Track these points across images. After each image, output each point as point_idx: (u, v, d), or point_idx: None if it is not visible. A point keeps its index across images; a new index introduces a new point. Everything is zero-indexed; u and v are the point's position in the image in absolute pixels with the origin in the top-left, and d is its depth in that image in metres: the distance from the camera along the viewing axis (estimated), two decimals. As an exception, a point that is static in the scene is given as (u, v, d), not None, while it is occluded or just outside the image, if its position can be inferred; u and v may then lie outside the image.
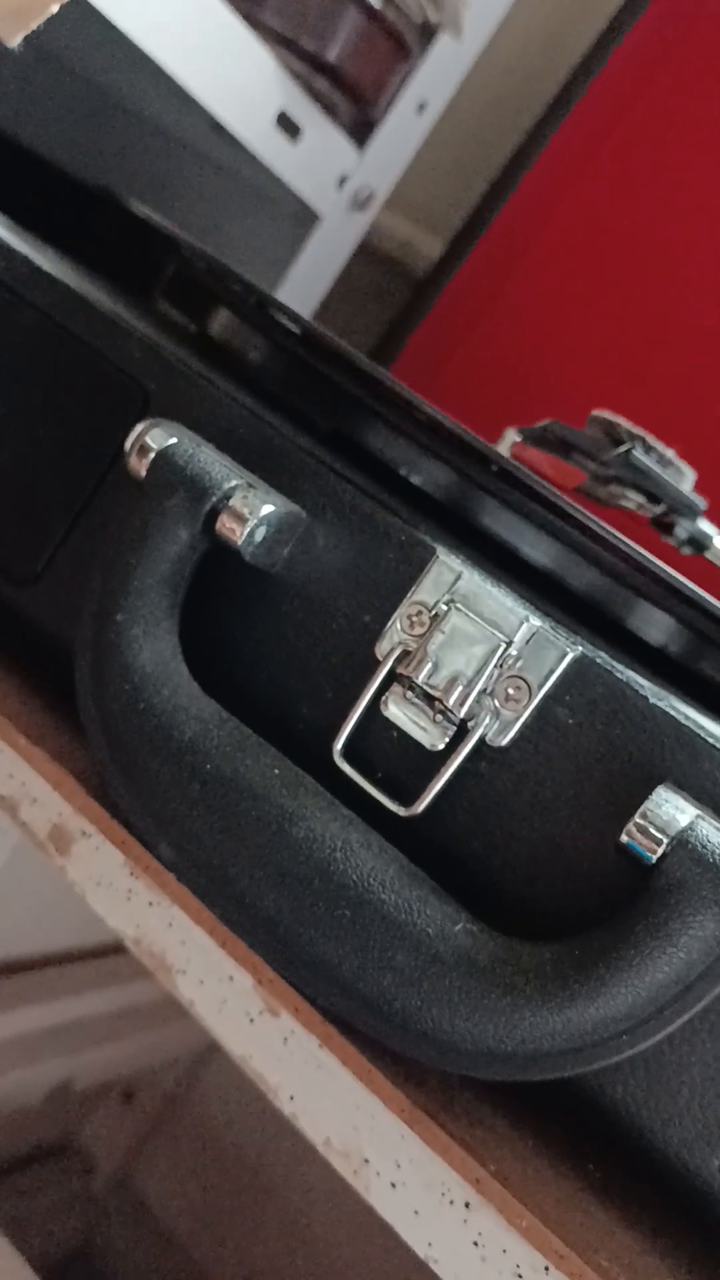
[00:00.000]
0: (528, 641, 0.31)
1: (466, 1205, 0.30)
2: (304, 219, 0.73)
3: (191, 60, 0.58)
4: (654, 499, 0.44)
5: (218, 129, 0.67)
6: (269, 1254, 0.80)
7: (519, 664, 0.31)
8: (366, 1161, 0.31)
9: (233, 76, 0.60)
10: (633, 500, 0.45)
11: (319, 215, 0.73)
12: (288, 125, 0.65)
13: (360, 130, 0.72)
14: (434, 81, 0.74)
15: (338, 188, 0.73)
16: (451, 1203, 0.30)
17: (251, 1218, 0.81)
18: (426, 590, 0.32)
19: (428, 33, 0.71)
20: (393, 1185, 0.31)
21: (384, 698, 0.32)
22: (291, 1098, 0.32)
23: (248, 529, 0.32)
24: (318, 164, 0.70)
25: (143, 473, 0.33)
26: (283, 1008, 0.32)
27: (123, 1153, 0.79)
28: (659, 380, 0.77)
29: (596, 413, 0.45)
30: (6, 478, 0.38)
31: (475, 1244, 0.30)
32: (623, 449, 0.43)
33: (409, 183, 0.84)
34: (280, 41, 0.63)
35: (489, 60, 0.83)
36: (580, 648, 0.31)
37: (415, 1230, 0.31)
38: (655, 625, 0.42)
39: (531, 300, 0.84)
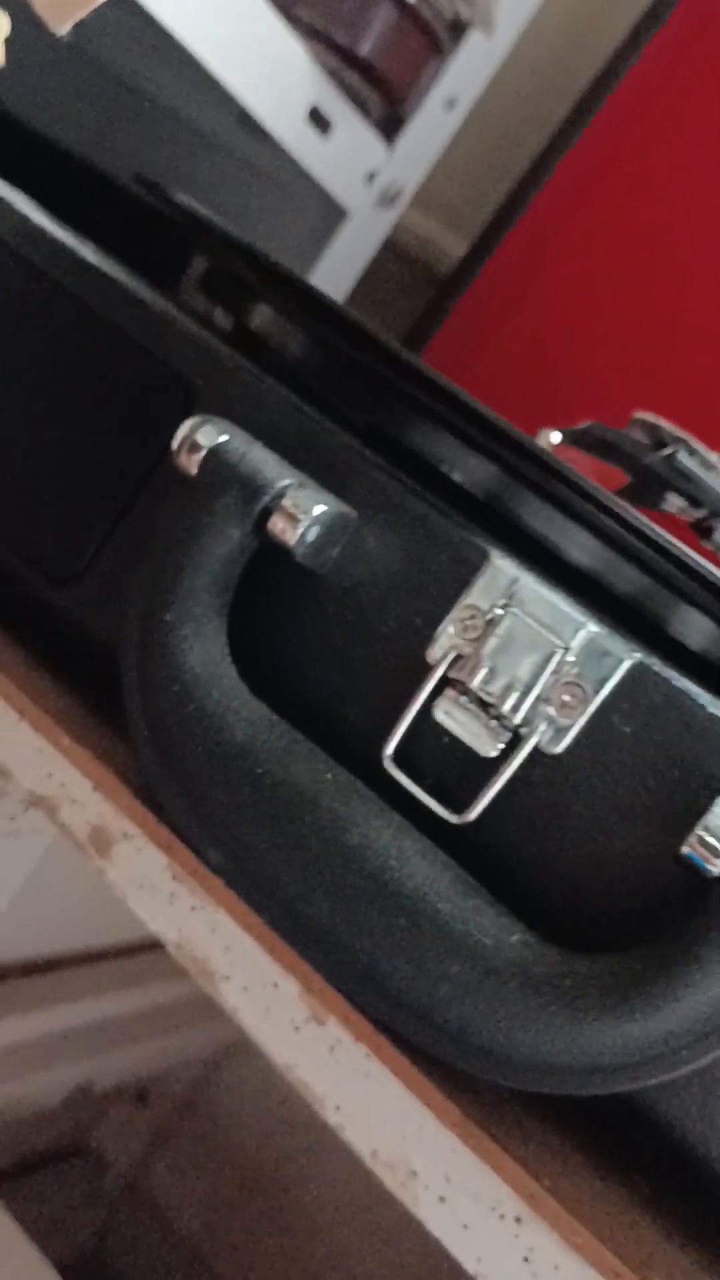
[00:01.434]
0: (585, 648, 0.30)
1: (517, 1220, 0.29)
2: (331, 215, 0.73)
3: (226, 52, 0.57)
4: (695, 503, 0.44)
5: (244, 122, 0.66)
6: (281, 1257, 0.79)
7: (575, 671, 0.30)
8: (414, 1174, 0.31)
9: (267, 70, 0.60)
10: (673, 504, 0.45)
11: (346, 211, 0.73)
12: (319, 120, 0.65)
13: (389, 126, 0.72)
14: (464, 78, 0.74)
15: (366, 184, 0.72)
16: (501, 1217, 0.30)
17: (264, 1221, 0.80)
18: (479, 594, 0.32)
19: (458, 29, 0.70)
20: (441, 1199, 0.31)
21: (435, 703, 0.32)
22: (337, 1108, 0.32)
23: (300, 529, 0.32)
24: (347, 160, 0.69)
25: (193, 470, 0.33)
26: (331, 1016, 0.32)
27: (136, 1154, 0.79)
28: (686, 380, 0.77)
29: (638, 414, 0.45)
30: (47, 474, 0.38)
31: (526, 1260, 0.29)
32: (667, 452, 0.42)
33: (433, 180, 0.83)
34: (313, 35, 0.62)
35: (515, 58, 0.83)
36: (638, 655, 0.30)
37: (464, 1245, 0.30)
38: (697, 630, 0.41)
39: (556, 299, 0.83)
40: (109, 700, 0.38)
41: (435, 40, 0.67)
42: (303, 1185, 0.81)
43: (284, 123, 0.63)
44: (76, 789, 0.36)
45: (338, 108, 0.66)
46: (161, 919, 0.35)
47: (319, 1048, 0.32)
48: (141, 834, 0.34)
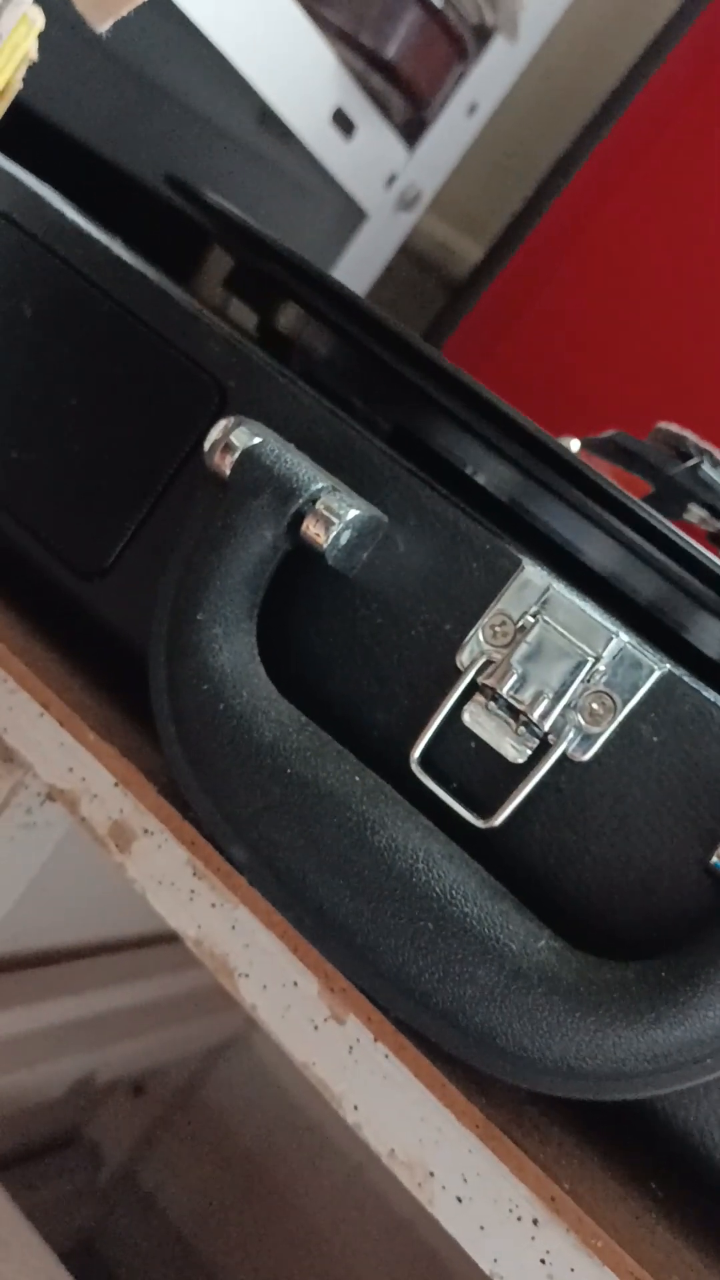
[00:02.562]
0: (615, 658, 0.31)
1: (534, 1222, 0.30)
2: (350, 217, 0.73)
3: (254, 52, 0.57)
4: (716, 514, 0.44)
5: (265, 122, 0.66)
6: (274, 1251, 0.80)
7: (605, 680, 0.31)
8: (431, 1175, 0.31)
9: (294, 70, 0.60)
10: (695, 514, 0.45)
11: (366, 213, 0.73)
12: (343, 122, 0.65)
13: (411, 130, 0.72)
14: (486, 84, 0.74)
15: (386, 187, 0.73)
16: (519, 1219, 0.30)
17: (256, 1214, 0.81)
18: (510, 601, 0.32)
19: (483, 35, 0.70)
20: (458, 1199, 0.31)
21: (464, 708, 0.32)
22: (356, 1107, 0.32)
23: (334, 533, 0.32)
24: (368, 162, 0.69)
25: (226, 471, 0.33)
26: (351, 1015, 0.32)
27: (131, 1146, 0.79)
28: (701, 390, 0.77)
29: (662, 425, 0.45)
30: (78, 470, 0.38)
31: (542, 1261, 0.30)
32: (691, 463, 0.43)
33: (450, 185, 0.83)
34: (340, 37, 0.62)
35: (534, 66, 0.83)
36: (668, 665, 0.31)
37: (480, 1245, 0.30)
38: (715, 638, 0.41)
39: (570, 307, 0.84)
40: (131, 695, 0.38)
41: (460, 45, 0.67)
42: (295, 1179, 0.81)
43: (308, 123, 0.63)
44: (98, 784, 0.36)
45: (362, 110, 0.66)
46: (181, 915, 0.35)
47: (338, 1047, 0.32)
48: (164, 830, 0.35)
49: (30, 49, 0.43)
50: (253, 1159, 0.81)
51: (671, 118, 0.86)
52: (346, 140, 0.66)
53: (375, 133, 0.68)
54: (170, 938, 0.66)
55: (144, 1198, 0.79)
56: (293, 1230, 0.79)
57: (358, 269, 0.76)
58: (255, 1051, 0.80)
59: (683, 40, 0.87)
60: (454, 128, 0.74)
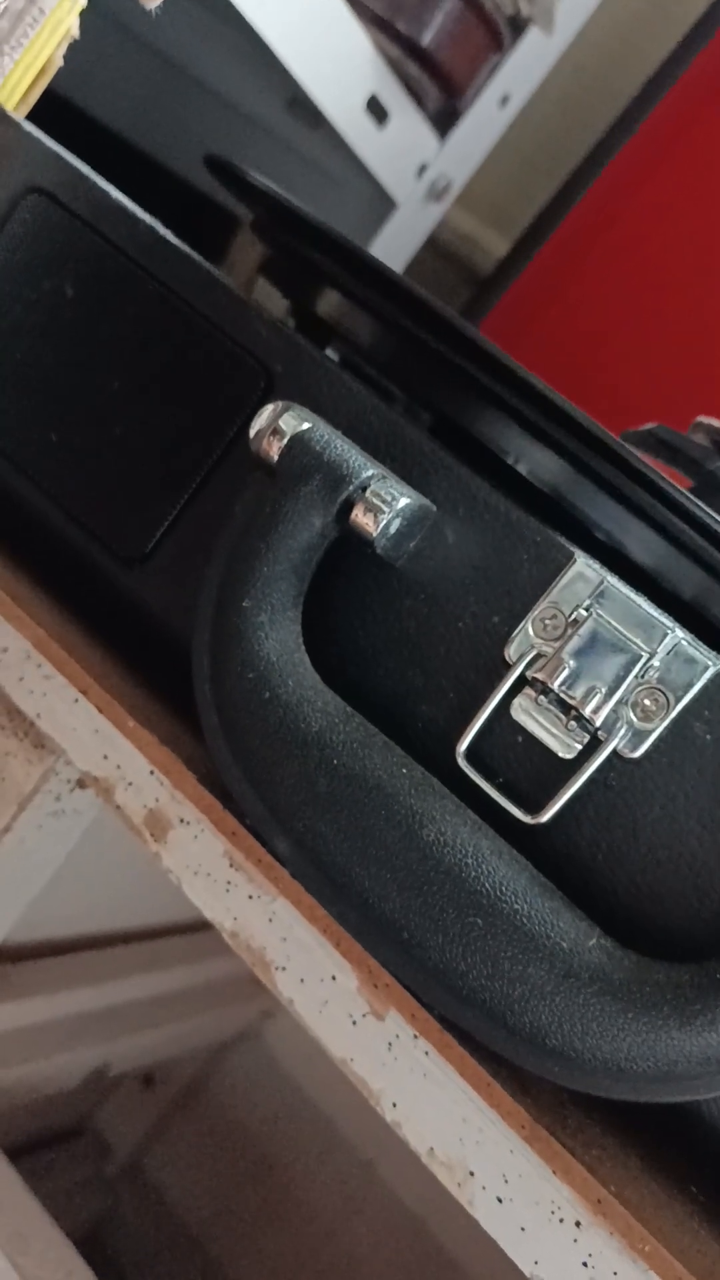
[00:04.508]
0: (670, 654, 0.30)
1: (577, 1224, 0.29)
2: (379, 206, 0.72)
3: (293, 37, 0.57)
4: (758, 511, 0.44)
5: (295, 109, 0.65)
6: (280, 1245, 0.79)
7: (658, 676, 0.30)
8: (471, 1175, 0.31)
9: (330, 56, 0.60)
10: (735, 511, 0.44)
11: (396, 203, 0.72)
12: (377, 110, 0.64)
13: (443, 120, 0.71)
14: (519, 75, 0.73)
15: (417, 176, 0.72)
16: (561, 1221, 0.29)
17: (264, 1208, 0.80)
18: (562, 594, 0.31)
19: (518, 26, 0.70)
20: (499, 1200, 0.30)
21: (513, 701, 0.31)
22: (394, 1105, 0.32)
23: (384, 521, 0.31)
24: (401, 151, 0.69)
25: (274, 457, 0.32)
26: (395, 1012, 0.31)
27: (139, 1137, 0.78)
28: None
29: (702, 419, 0.45)
30: (119, 454, 0.37)
31: (585, 1265, 0.29)
32: (734, 459, 0.42)
33: (477, 178, 0.83)
34: (377, 23, 0.62)
35: (565, 60, 0.82)
36: (723, 662, 0.30)
37: (521, 1247, 0.30)
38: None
39: (597, 303, 0.83)
40: (168, 683, 0.38)
41: (496, 35, 0.66)
42: (304, 1174, 0.81)
43: (342, 110, 0.63)
44: (133, 772, 0.36)
45: (396, 98, 0.65)
46: (217, 906, 0.35)
47: (377, 1043, 0.32)
48: (202, 820, 0.34)
49: (72, 26, 0.43)
50: (261, 1153, 0.80)
51: (700, 115, 0.85)
52: (380, 128, 0.66)
53: (408, 121, 0.67)
54: (186, 928, 0.65)
55: (151, 1189, 0.79)
56: (300, 1224, 0.79)
57: (385, 259, 0.76)
58: (265, 1045, 0.80)
59: (713, 39, 0.86)
60: (485, 119, 0.74)
